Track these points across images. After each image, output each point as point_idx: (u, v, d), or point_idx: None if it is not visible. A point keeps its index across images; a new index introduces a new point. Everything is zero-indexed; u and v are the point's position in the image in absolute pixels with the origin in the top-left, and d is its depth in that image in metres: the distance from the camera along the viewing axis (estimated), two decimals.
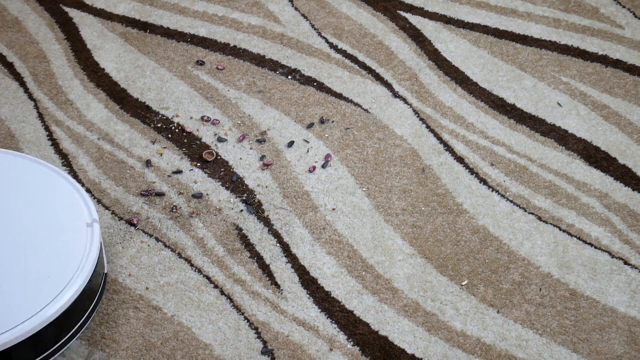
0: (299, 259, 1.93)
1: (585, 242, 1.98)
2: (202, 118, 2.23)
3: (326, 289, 1.87)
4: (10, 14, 2.52)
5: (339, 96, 2.30)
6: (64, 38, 2.44)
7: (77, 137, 2.17)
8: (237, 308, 1.83)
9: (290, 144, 2.17)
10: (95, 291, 1.75)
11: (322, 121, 2.23)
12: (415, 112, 2.26)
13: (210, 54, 2.41)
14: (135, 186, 2.06)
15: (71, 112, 2.23)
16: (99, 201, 2.02)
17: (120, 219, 1.99)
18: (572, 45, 2.46)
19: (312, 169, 2.11)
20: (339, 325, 1.81)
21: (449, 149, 2.17)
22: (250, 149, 2.16)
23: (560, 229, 2.00)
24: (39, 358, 1.66)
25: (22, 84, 2.31)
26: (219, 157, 2.14)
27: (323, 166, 2.12)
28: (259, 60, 2.39)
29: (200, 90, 2.30)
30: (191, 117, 2.23)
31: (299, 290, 1.87)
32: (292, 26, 2.51)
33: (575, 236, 1.99)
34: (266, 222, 2.00)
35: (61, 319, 1.64)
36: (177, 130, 2.20)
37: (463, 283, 1.89)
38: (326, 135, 2.20)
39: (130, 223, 1.98)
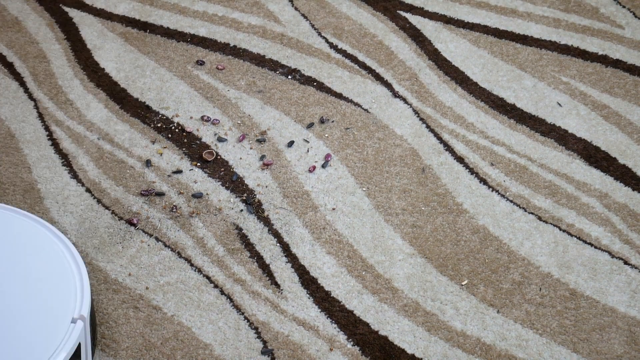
0: (299, 258, 1.93)
1: (585, 242, 1.98)
2: (202, 118, 2.23)
3: (326, 289, 1.87)
4: (10, 14, 2.52)
5: (339, 96, 2.30)
6: (64, 38, 2.44)
7: (77, 137, 2.17)
8: (237, 308, 1.83)
9: (290, 143, 2.17)
10: None
11: (322, 121, 2.23)
12: (415, 112, 2.26)
13: (210, 54, 2.41)
14: (135, 186, 2.06)
15: (71, 112, 2.23)
16: (99, 201, 2.02)
17: (120, 218, 1.99)
18: (572, 45, 2.46)
19: (312, 169, 2.11)
20: (339, 325, 1.81)
21: (449, 149, 2.17)
22: (250, 148, 2.16)
23: (560, 229, 2.00)
24: None
25: (22, 84, 2.31)
26: (219, 157, 2.14)
27: (323, 166, 2.12)
28: (259, 60, 2.39)
29: (200, 90, 2.30)
30: (191, 117, 2.23)
31: (299, 290, 1.87)
32: (292, 26, 2.51)
33: (575, 236, 1.99)
34: (266, 222, 2.00)
35: None
36: (177, 130, 2.20)
37: (463, 283, 1.89)
38: (326, 135, 2.20)
39: (130, 223, 1.98)
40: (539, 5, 2.59)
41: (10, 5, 2.55)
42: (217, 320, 1.81)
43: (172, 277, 1.88)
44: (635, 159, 2.16)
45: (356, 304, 1.85)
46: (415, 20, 2.54)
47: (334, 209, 2.03)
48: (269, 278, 1.89)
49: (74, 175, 2.08)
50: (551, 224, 2.01)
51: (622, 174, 2.12)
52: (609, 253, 1.95)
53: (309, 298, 1.86)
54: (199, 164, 2.12)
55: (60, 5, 2.55)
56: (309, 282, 1.88)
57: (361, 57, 2.42)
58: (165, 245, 1.94)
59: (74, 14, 2.53)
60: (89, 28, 2.48)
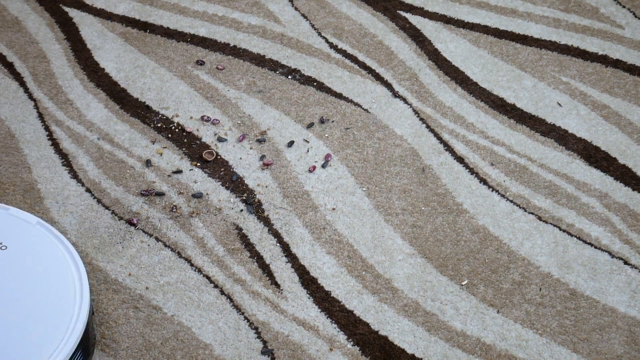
0: (299, 258, 1.93)
1: (585, 242, 1.98)
2: (202, 118, 2.23)
3: (326, 289, 1.87)
4: (10, 14, 2.52)
5: (339, 96, 2.30)
6: (64, 38, 2.44)
7: (77, 137, 2.17)
8: (237, 308, 1.83)
9: (290, 143, 2.17)
10: None
11: (322, 121, 2.23)
12: (415, 112, 2.26)
13: (210, 54, 2.41)
14: (135, 186, 2.06)
15: (71, 112, 2.23)
16: (99, 201, 2.02)
17: (120, 218, 1.99)
18: (572, 45, 2.46)
19: (312, 169, 2.11)
20: (339, 325, 1.81)
21: (449, 149, 2.17)
22: (250, 148, 2.16)
23: (560, 229, 2.00)
24: None
25: (22, 84, 2.31)
26: (219, 157, 2.14)
27: (323, 166, 2.12)
28: (259, 60, 2.39)
29: (200, 90, 2.30)
30: (191, 117, 2.23)
31: (299, 290, 1.87)
32: (292, 26, 2.51)
33: (575, 236, 1.99)
34: (266, 222, 2.00)
35: None
36: (177, 130, 2.20)
37: (463, 283, 1.89)
38: (326, 135, 2.20)
39: (130, 223, 1.98)
40: (539, 5, 2.59)
41: (10, 5, 2.55)
42: (217, 320, 1.81)
43: (172, 277, 1.88)
44: (635, 159, 2.16)
45: (356, 304, 1.85)
46: (415, 20, 2.54)
47: (334, 209, 2.03)
48: (269, 278, 1.89)
49: (74, 175, 2.08)
50: (551, 224, 2.01)
51: (622, 174, 2.12)
52: (609, 253, 1.95)
53: (309, 298, 1.86)
54: (199, 164, 2.12)
55: (60, 5, 2.55)
56: (309, 282, 1.88)
57: (361, 57, 2.42)
58: (165, 245, 1.94)
59: (74, 14, 2.53)
60: (89, 28, 2.48)
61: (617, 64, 2.41)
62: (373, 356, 1.76)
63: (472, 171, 2.12)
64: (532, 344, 1.79)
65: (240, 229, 1.98)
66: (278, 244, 1.95)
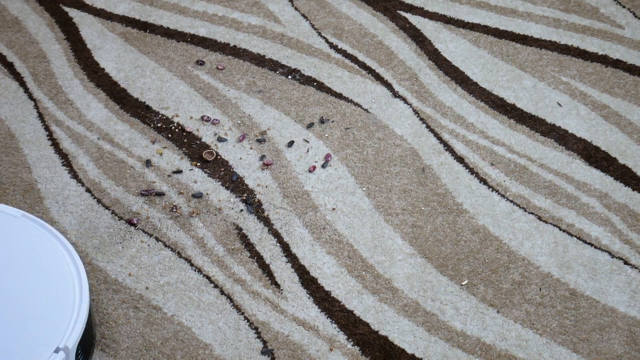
0: (299, 258, 1.93)
1: (585, 242, 1.98)
2: (202, 118, 2.23)
3: (326, 289, 1.87)
4: (10, 14, 2.52)
5: (339, 96, 2.30)
6: (64, 38, 2.44)
7: (77, 137, 2.17)
8: (237, 308, 1.83)
9: (290, 143, 2.17)
10: None
11: (322, 121, 2.23)
12: (415, 112, 2.26)
13: (210, 54, 2.41)
14: (135, 186, 2.06)
15: (71, 112, 2.23)
16: (99, 201, 2.02)
17: (120, 218, 1.99)
18: (572, 45, 2.46)
19: (312, 169, 2.11)
20: (339, 325, 1.81)
21: (449, 149, 2.17)
22: (250, 148, 2.16)
23: (560, 229, 2.00)
24: None
25: (22, 84, 2.31)
26: (219, 157, 2.14)
27: (323, 166, 2.12)
28: (259, 60, 2.39)
29: (200, 90, 2.30)
30: (191, 117, 2.23)
31: (299, 290, 1.87)
32: (292, 26, 2.51)
33: (575, 236, 1.99)
34: (266, 222, 2.00)
35: None
36: (177, 130, 2.20)
37: (463, 283, 1.89)
38: (326, 135, 2.20)
39: (130, 223, 1.98)
40: (539, 5, 2.59)
41: (10, 5, 2.55)
42: (217, 320, 1.81)
43: (172, 277, 1.88)
44: (635, 159, 2.16)
45: (356, 304, 1.85)
46: (415, 20, 2.54)
47: (334, 209, 2.03)
48: (269, 278, 1.89)
49: (74, 175, 2.08)
50: (551, 224, 2.01)
51: (622, 174, 2.12)
52: (609, 253, 1.95)
53: (309, 298, 1.86)
54: (199, 164, 2.12)
55: (60, 5, 2.55)
56: (309, 282, 1.88)
57: (361, 57, 2.42)
58: (165, 245, 1.94)
59: (74, 14, 2.53)
60: (89, 28, 2.48)
61: (617, 64, 2.41)
62: (373, 356, 1.76)
63: (472, 171, 2.12)
64: (532, 344, 1.79)
65: (240, 229, 1.98)
66: (278, 244, 1.95)
